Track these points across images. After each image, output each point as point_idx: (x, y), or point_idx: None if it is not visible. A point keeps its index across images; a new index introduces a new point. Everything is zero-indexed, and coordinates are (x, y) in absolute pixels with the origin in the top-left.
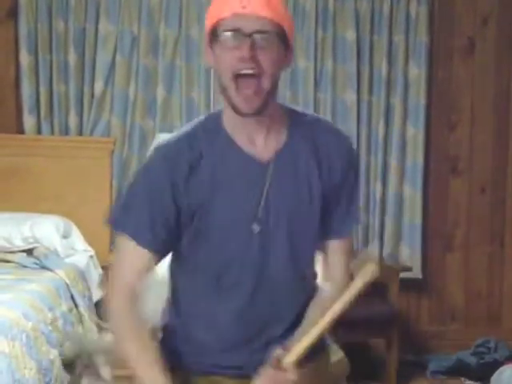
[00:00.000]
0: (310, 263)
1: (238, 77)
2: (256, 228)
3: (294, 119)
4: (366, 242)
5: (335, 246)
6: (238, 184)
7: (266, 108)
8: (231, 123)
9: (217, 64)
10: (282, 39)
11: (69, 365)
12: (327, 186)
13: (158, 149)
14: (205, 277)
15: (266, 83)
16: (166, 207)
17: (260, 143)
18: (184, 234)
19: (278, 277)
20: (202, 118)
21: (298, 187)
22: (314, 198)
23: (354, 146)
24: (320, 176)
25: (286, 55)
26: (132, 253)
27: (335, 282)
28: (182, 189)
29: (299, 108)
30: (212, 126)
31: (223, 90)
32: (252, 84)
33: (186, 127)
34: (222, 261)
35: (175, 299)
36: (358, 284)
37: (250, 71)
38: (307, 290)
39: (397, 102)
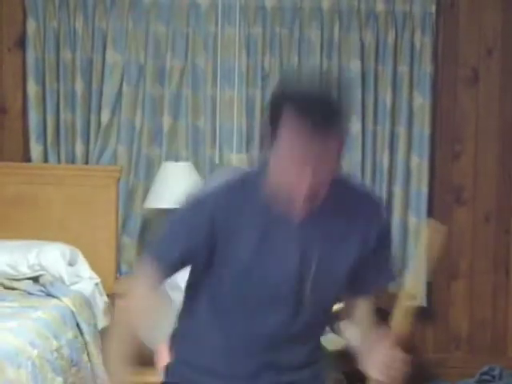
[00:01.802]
0: (329, 314)
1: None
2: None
3: (336, 181)
4: None
5: (362, 302)
6: (278, 245)
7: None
8: (274, 187)
9: (277, 149)
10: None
11: None
12: (363, 251)
13: (197, 194)
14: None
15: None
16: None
17: (299, 201)
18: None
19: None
20: (241, 172)
21: (334, 246)
22: (348, 259)
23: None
24: (357, 240)
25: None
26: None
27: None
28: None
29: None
30: (251, 183)
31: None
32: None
33: (223, 179)
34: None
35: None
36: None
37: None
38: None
39: (401, 131)
